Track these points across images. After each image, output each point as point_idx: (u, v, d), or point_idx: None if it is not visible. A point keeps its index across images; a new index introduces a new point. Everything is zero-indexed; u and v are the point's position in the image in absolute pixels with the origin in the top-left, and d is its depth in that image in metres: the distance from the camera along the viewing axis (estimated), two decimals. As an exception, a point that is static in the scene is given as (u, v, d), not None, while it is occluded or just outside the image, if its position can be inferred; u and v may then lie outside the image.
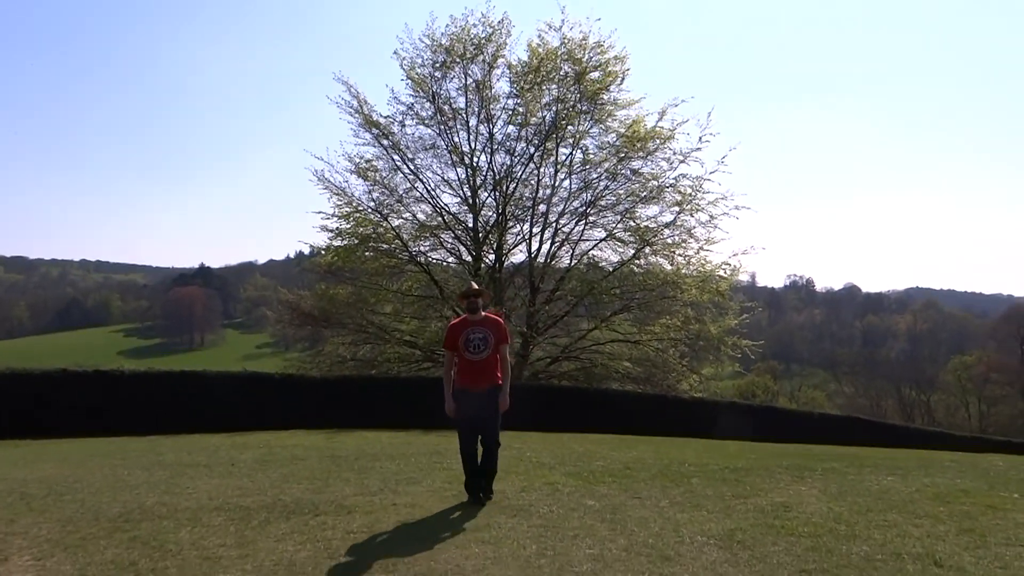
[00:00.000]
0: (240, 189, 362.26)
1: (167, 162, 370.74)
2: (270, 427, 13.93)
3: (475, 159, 24.12)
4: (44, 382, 12.97)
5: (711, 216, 23.01)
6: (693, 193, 23.05)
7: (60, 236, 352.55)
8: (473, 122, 23.99)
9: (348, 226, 23.60)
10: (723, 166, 22.67)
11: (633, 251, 23.93)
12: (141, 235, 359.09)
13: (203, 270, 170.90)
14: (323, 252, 23.91)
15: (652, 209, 23.96)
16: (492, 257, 24.70)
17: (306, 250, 26.25)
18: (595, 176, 24.12)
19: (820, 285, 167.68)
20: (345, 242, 23.54)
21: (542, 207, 24.45)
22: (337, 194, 23.38)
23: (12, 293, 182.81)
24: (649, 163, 23.87)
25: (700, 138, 22.87)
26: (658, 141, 23.51)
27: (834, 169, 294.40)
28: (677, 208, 23.35)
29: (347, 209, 23.58)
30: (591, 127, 24.15)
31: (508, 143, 24.14)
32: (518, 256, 25.23)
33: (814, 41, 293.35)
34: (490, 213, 24.62)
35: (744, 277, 25.08)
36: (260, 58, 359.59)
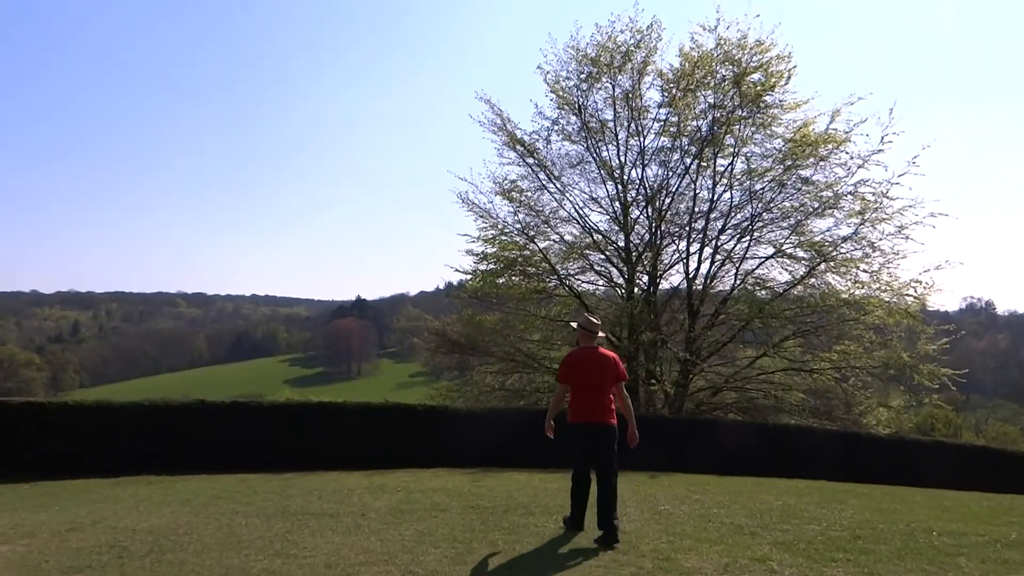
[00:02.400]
0: (392, 221, 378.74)
1: (325, 198, 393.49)
2: (413, 464, 12.80)
3: (625, 173, 22.49)
4: (181, 414, 12.54)
5: (900, 226, 20.06)
6: (877, 200, 20.23)
7: (234, 273, 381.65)
8: (622, 135, 22.39)
9: (493, 250, 22.57)
10: (914, 167, 19.71)
11: (806, 268, 21.32)
12: (304, 270, 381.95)
13: (359, 302, 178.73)
14: (469, 278, 23.01)
15: (827, 221, 21.28)
16: (646, 279, 22.86)
17: (453, 277, 25.58)
18: (760, 187, 21.80)
19: (1002, 308, 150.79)
20: (491, 266, 22.52)
21: (700, 223, 22.40)
22: (482, 216, 22.40)
23: (193, 327, 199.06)
24: (822, 170, 21.27)
25: (882, 139, 20.04)
26: (831, 145, 20.88)
27: (1009, 178, 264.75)
28: (858, 218, 20.55)
29: (492, 232, 22.55)
30: (753, 133, 21.87)
31: (661, 155, 22.36)
32: (675, 277, 23.26)
33: (974, 38, 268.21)
34: (643, 231, 22.85)
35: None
36: (407, 86, 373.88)
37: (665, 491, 9.49)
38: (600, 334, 6.80)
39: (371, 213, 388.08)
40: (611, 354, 6.74)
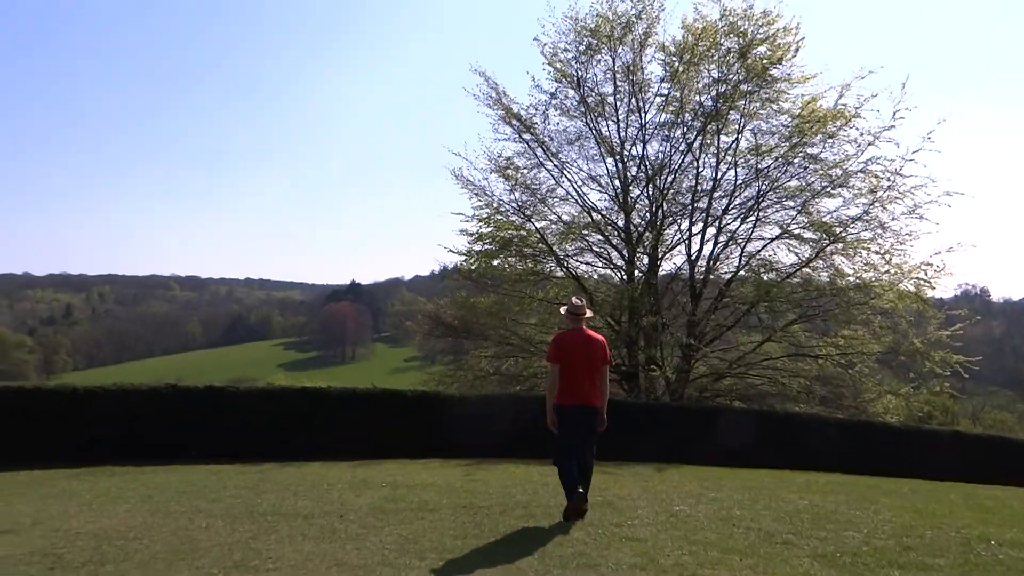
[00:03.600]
0: (387, 205, 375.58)
1: (317, 183, 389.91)
2: (402, 454, 11.96)
3: (625, 151, 21.57)
4: (150, 400, 11.60)
5: (913, 205, 19.22)
6: (890, 178, 19.37)
7: (228, 256, 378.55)
8: (623, 111, 21.44)
9: (488, 229, 21.64)
10: (929, 143, 18.84)
11: (814, 250, 20.45)
12: (297, 254, 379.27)
13: (354, 286, 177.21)
14: (464, 259, 22.05)
15: (835, 201, 20.43)
16: (646, 260, 21.97)
17: (447, 258, 24.43)
18: (765, 165, 20.91)
19: (997, 295, 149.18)
20: (486, 246, 21.60)
21: (703, 202, 21.51)
22: (476, 194, 21.45)
23: (187, 310, 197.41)
24: (830, 147, 20.38)
25: (894, 114, 19.15)
26: (840, 121, 19.98)
27: (1001, 163, 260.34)
28: (869, 197, 19.68)
29: (487, 211, 21.60)
30: (759, 109, 20.92)
31: (663, 130, 21.44)
32: (677, 258, 22.42)
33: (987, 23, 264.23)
34: (643, 211, 21.96)
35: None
36: (400, 59, 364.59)
37: (676, 488, 8.66)
38: (588, 314, 6.91)
39: (366, 195, 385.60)
40: (599, 336, 6.88)
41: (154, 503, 7.42)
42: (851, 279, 20.14)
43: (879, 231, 19.87)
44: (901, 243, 19.62)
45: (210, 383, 12.50)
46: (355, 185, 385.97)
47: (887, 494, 8.87)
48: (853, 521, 6.56)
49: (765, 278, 20.86)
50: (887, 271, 19.87)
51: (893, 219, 19.57)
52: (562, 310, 7.05)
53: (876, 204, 19.75)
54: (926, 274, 19.78)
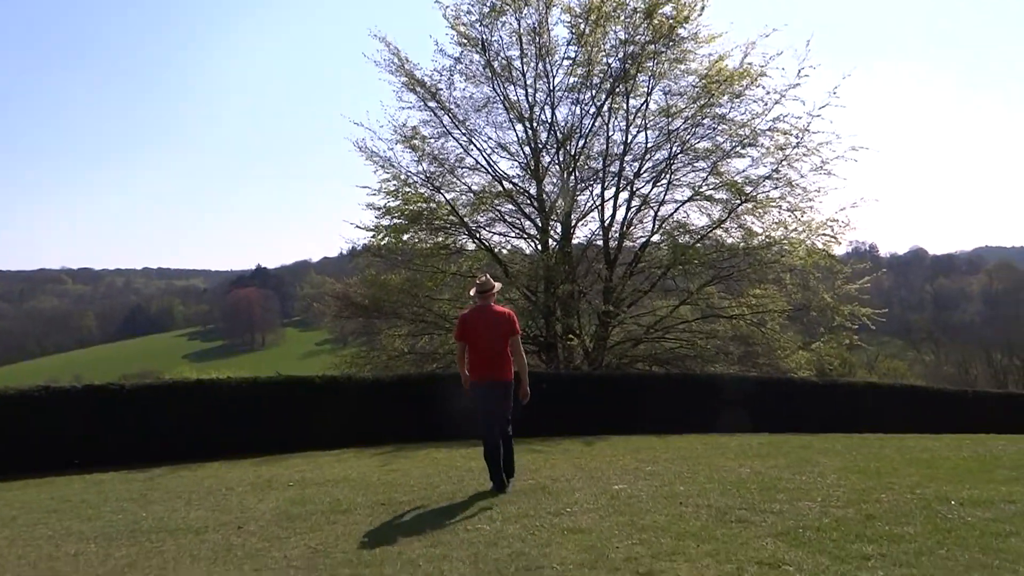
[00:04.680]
0: (291, 187, 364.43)
1: (217, 165, 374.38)
2: (312, 446, 11.05)
3: (535, 115, 20.92)
4: (21, 404, 10.26)
5: (821, 162, 19.38)
6: (797, 135, 19.45)
7: (122, 246, 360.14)
8: (530, 76, 20.76)
9: (396, 203, 20.65)
10: (835, 98, 18.96)
11: (725, 210, 20.42)
12: (198, 240, 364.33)
13: (260, 271, 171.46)
14: (373, 234, 20.98)
15: (745, 161, 20.46)
16: (560, 228, 21.49)
17: (354, 235, 23.22)
18: (675, 127, 20.68)
19: (884, 250, 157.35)
20: (395, 221, 20.62)
21: (615, 166, 21.15)
22: (382, 166, 20.40)
23: (80, 304, 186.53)
24: (738, 107, 20.30)
25: (799, 72, 19.15)
26: (747, 80, 19.90)
27: (885, 128, 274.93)
28: (778, 155, 19.74)
29: (395, 183, 20.60)
30: (667, 70, 20.62)
31: (573, 94, 20.88)
32: (591, 224, 22.04)
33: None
34: (555, 179, 21.42)
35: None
36: (297, 26, 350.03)
37: (610, 463, 8.14)
38: (496, 287, 6.99)
39: (268, 175, 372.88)
40: (505, 310, 7.02)
41: (16, 527, 6.34)
42: (762, 238, 20.24)
43: (788, 189, 20.00)
44: (810, 199, 19.81)
45: (90, 382, 11.21)
46: (256, 164, 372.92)
47: (823, 453, 8.63)
48: (803, 488, 6.15)
49: (680, 241, 20.73)
50: (795, 228, 20.08)
51: (801, 176, 19.72)
52: (471, 292, 7.09)
53: (784, 162, 19.82)
54: (833, 230, 20.06)
